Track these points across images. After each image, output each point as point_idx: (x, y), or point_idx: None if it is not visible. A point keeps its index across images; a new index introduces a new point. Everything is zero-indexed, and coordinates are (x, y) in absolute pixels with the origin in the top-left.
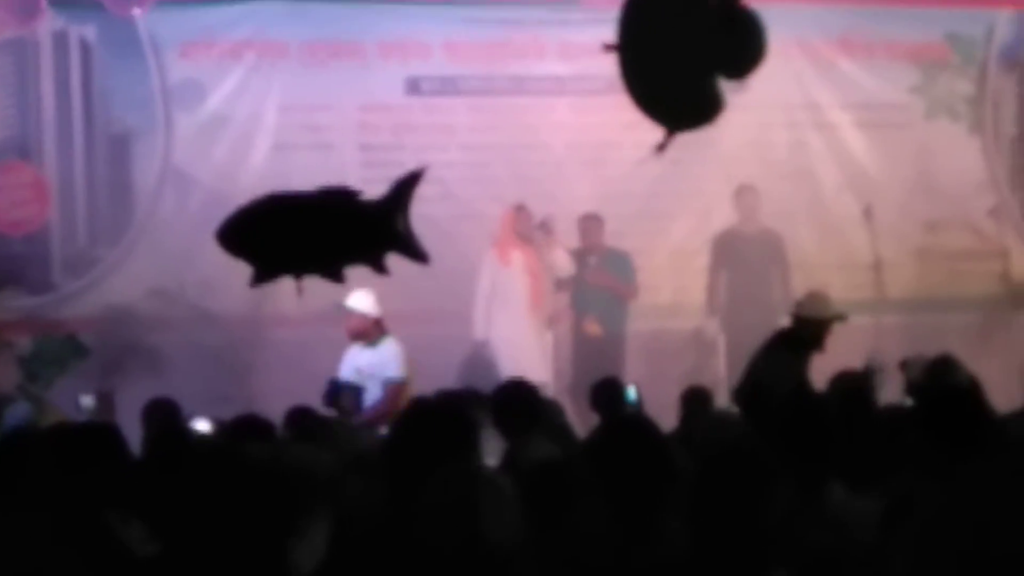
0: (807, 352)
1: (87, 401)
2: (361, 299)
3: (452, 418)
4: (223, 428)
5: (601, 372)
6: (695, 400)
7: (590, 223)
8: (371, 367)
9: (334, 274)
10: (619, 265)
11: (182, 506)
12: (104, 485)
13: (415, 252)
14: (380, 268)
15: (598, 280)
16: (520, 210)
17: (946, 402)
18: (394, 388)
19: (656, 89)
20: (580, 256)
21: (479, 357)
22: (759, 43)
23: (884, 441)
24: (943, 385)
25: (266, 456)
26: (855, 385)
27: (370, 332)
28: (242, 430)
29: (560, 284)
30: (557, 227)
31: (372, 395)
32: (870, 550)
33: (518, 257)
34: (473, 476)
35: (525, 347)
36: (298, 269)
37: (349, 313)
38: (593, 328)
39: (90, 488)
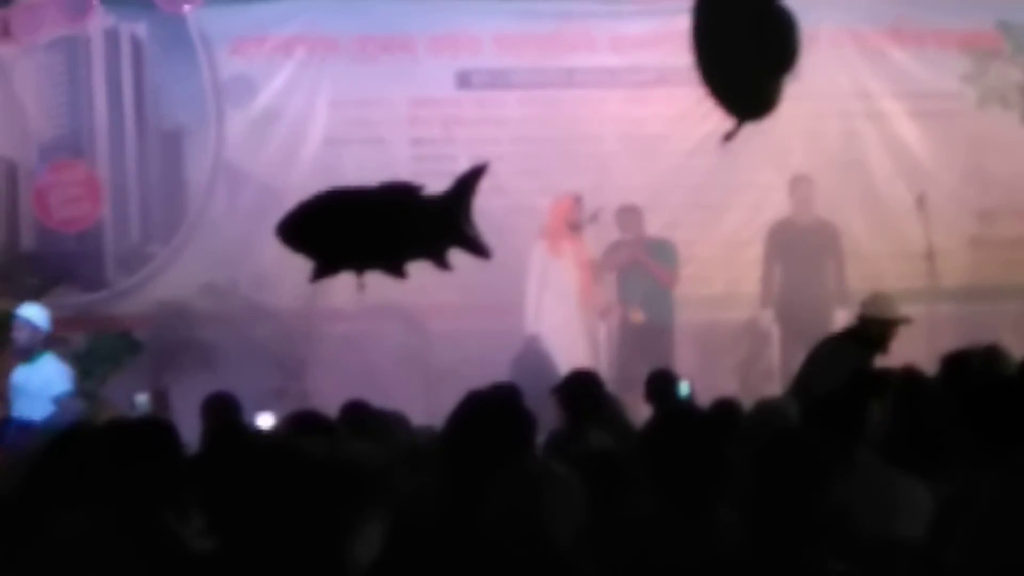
0: (871, 353)
1: (141, 399)
2: (35, 312)
3: (511, 412)
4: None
5: (649, 362)
6: (661, 383)
7: (627, 215)
8: (31, 384)
9: (395, 269)
10: (661, 253)
11: (239, 501)
12: (160, 480)
13: (478, 248)
14: (442, 264)
15: (635, 257)
16: (577, 200)
17: (994, 393)
18: (67, 403)
19: (726, 79)
20: (619, 247)
21: (530, 351)
22: (794, 41)
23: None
24: (991, 376)
25: (322, 451)
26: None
27: (35, 347)
28: (299, 425)
29: (597, 270)
30: (607, 219)
31: (34, 412)
32: (926, 542)
33: (568, 249)
34: (538, 472)
35: (576, 339)
36: (359, 264)
37: (20, 326)
38: (637, 316)
39: (146, 483)
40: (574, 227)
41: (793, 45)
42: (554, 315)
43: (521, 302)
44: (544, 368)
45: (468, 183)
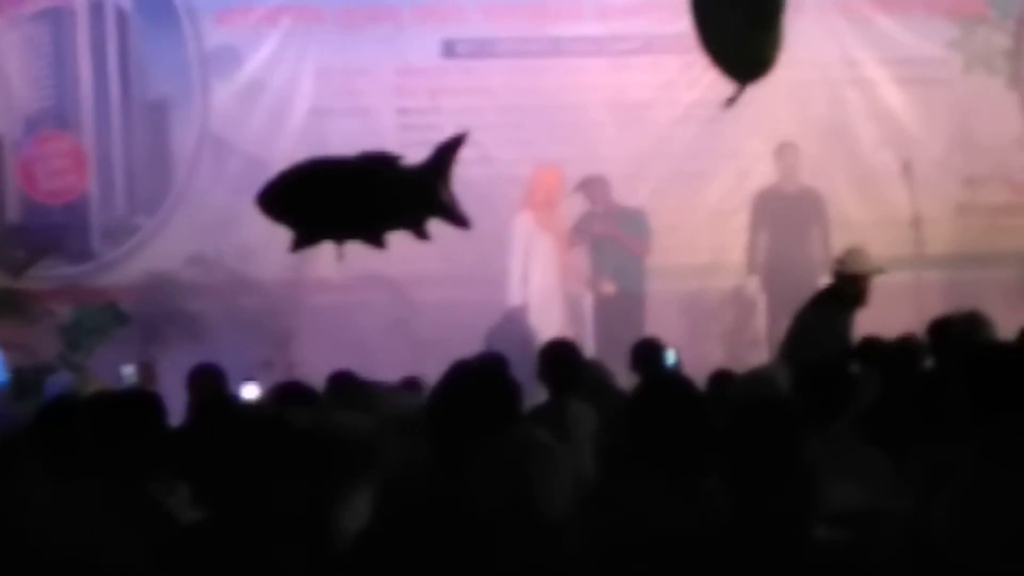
0: (850, 308)
1: (128, 371)
2: None
3: (497, 381)
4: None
5: (622, 333)
6: (646, 352)
7: (594, 186)
8: None
9: (375, 239)
10: (632, 223)
11: (226, 472)
12: (146, 452)
13: (457, 218)
14: (421, 234)
15: (606, 230)
16: (559, 171)
17: (975, 361)
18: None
19: (724, 43)
20: (589, 217)
21: (512, 322)
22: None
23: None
24: (971, 343)
25: (309, 422)
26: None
27: None
28: (285, 396)
29: (569, 242)
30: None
31: None
32: (911, 512)
33: (551, 220)
34: (525, 441)
35: (559, 310)
36: (339, 235)
37: None
38: (607, 287)
39: (132, 455)
40: (558, 198)
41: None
42: (539, 286)
43: (507, 272)
44: (527, 339)
45: (447, 152)
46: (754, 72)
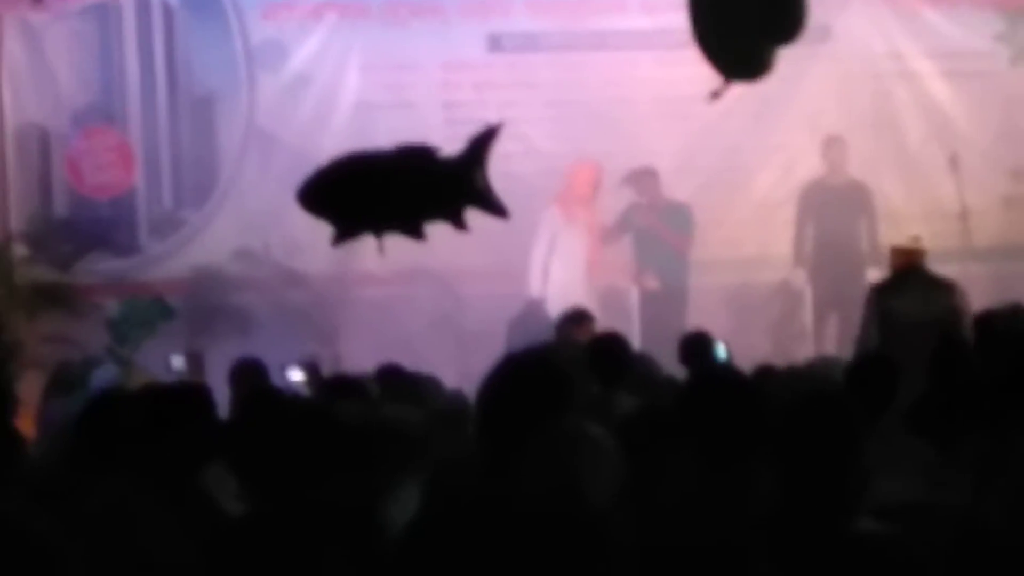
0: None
1: (177, 362)
2: None
3: (548, 374)
4: (315, 378)
5: (663, 327)
6: (696, 346)
7: (644, 178)
8: None
9: (414, 231)
10: (675, 217)
11: (275, 465)
12: (195, 444)
13: (494, 207)
14: (459, 224)
15: (648, 221)
16: (598, 167)
17: (1016, 353)
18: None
19: (720, 40)
20: (633, 209)
21: (532, 315)
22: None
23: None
24: (1017, 336)
25: (357, 415)
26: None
27: None
28: (335, 389)
29: (607, 236)
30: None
31: None
32: (961, 504)
33: (581, 215)
34: (574, 435)
35: (584, 304)
36: (378, 227)
37: None
38: (650, 282)
39: (182, 448)
40: (595, 193)
41: (799, 12)
42: (561, 280)
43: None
44: (546, 332)
45: (483, 143)
46: (749, 74)
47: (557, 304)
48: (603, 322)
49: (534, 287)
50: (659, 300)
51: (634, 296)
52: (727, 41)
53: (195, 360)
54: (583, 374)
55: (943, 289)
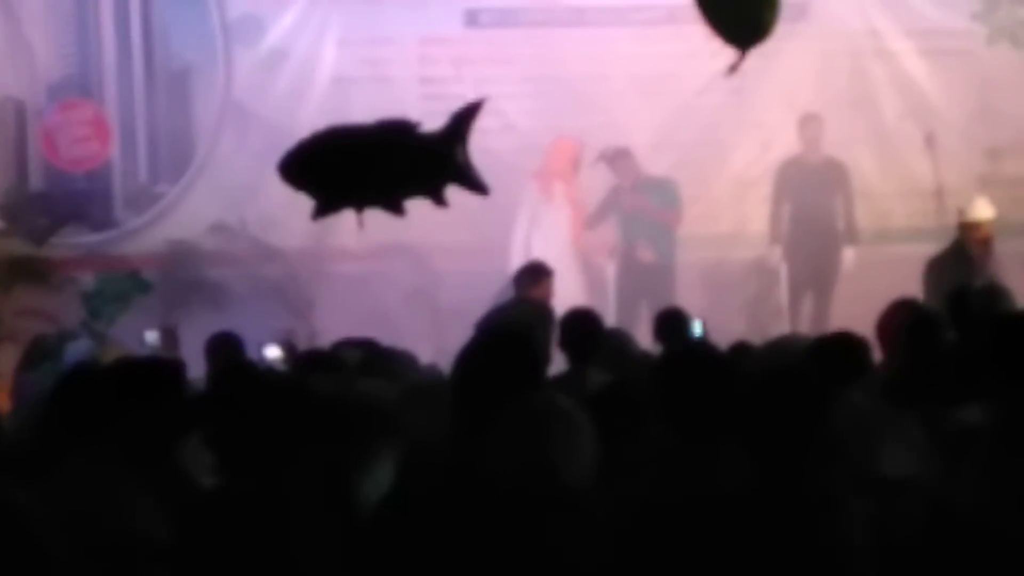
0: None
1: (151, 336)
2: None
3: (520, 347)
4: (292, 356)
5: (652, 301)
6: (672, 322)
7: (621, 160)
8: None
9: (394, 207)
10: (659, 191)
11: (250, 439)
12: (169, 418)
13: (474, 184)
14: (439, 200)
15: (635, 204)
16: (578, 143)
17: (996, 331)
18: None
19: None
20: (617, 192)
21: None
22: None
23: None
24: (991, 314)
25: (331, 390)
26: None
27: None
28: (309, 363)
29: (592, 220)
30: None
31: None
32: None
33: (560, 190)
34: (545, 407)
35: (565, 280)
36: (358, 202)
37: None
38: (646, 254)
39: (155, 422)
40: (575, 169)
41: None
42: (542, 255)
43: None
44: None
45: (464, 119)
46: (753, 37)
47: None
48: (583, 297)
49: (515, 263)
50: (643, 276)
51: (610, 272)
52: (729, 7)
53: (169, 335)
54: (539, 332)
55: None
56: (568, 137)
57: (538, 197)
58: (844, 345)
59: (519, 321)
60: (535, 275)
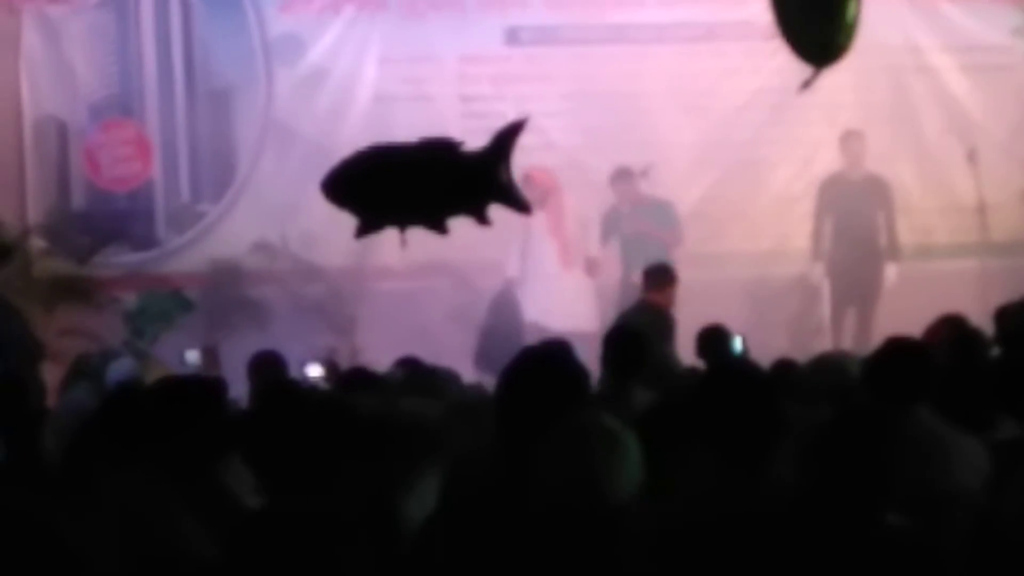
0: None
1: (192, 356)
2: None
3: (564, 366)
4: (334, 374)
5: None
6: (713, 339)
7: (621, 181)
8: None
9: (437, 225)
10: (658, 214)
11: (293, 458)
12: (212, 438)
13: (517, 202)
14: (482, 219)
15: (635, 227)
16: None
17: None
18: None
19: (801, 27)
20: (615, 215)
21: (506, 295)
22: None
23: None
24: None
25: (376, 409)
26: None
27: None
28: (352, 382)
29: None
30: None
31: None
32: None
33: (539, 222)
34: (591, 427)
35: (557, 298)
36: (401, 221)
37: None
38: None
39: (198, 441)
40: (553, 197)
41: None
42: (537, 274)
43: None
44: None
45: (507, 137)
46: (827, 57)
47: (531, 298)
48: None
49: (511, 277)
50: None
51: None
52: (808, 27)
53: (210, 354)
54: (654, 338)
55: None
56: (537, 168)
57: (521, 234)
58: (909, 356)
59: (635, 323)
60: (659, 280)
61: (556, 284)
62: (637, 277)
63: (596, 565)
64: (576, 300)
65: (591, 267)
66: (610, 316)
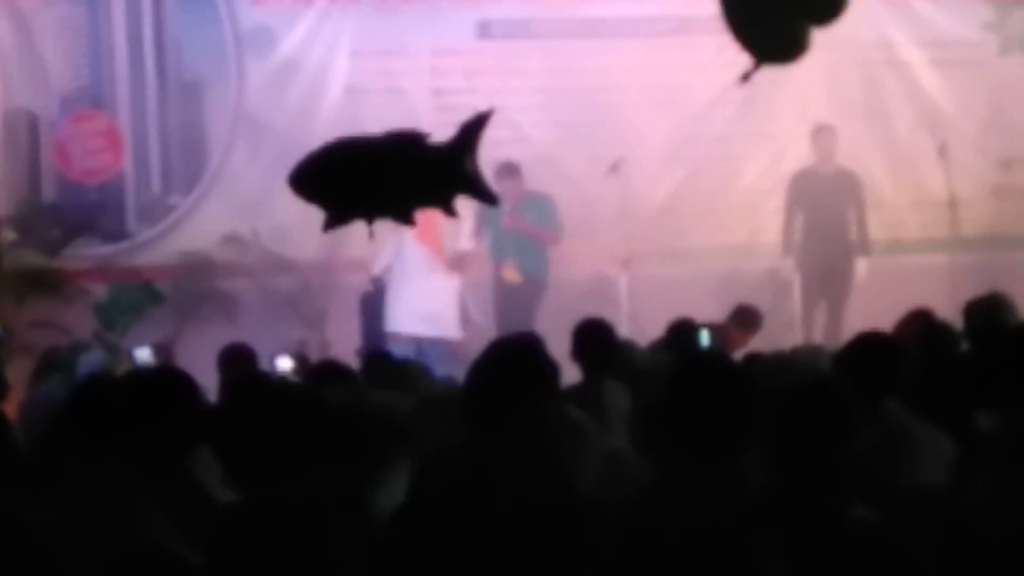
0: None
1: (143, 354)
2: None
3: (532, 359)
4: (304, 367)
5: (517, 318)
6: (680, 333)
7: (502, 172)
8: None
9: (404, 217)
10: (537, 209)
11: (263, 450)
12: (181, 430)
13: (484, 194)
14: (450, 211)
15: (513, 224)
16: None
17: (999, 342)
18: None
19: (751, 21)
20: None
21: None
22: None
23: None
24: (995, 326)
25: (345, 402)
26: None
27: None
28: (322, 375)
29: (469, 237)
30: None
31: None
32: (947, 488)
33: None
34: (556, 419)
35: (431, 296)
36: (369, 213)
37: None
38: (511, 275)
39: (167, 434)
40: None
41: None
42: (402, 273)
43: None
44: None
45: (473, 129)
46: (788, 55)
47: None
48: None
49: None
50: (514, 295)
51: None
52: (760, 21)
53: (164, 350)
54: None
55: None
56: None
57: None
58: (879, 349)
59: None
60: (746, 320)
61: (422, 287)
62: (506, 272)
63: (563, 556)
64: (442, 304)
65: (456, 262)
66: (482, 314)
